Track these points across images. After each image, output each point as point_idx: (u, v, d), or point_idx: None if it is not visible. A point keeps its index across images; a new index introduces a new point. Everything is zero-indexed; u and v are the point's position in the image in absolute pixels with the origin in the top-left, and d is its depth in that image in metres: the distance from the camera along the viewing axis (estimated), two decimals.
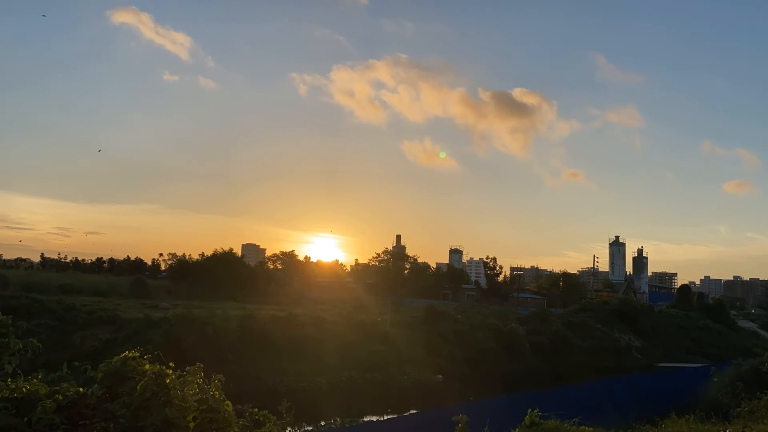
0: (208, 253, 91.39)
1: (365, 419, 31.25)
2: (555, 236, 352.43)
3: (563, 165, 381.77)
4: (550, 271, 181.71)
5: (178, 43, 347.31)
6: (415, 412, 33.25)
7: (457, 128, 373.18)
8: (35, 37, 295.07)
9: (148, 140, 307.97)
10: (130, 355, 5.54)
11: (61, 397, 5.24)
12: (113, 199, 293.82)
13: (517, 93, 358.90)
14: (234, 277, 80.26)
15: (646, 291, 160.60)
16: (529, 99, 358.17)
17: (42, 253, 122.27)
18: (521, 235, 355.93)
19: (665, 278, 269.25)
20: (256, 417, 6.10)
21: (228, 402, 5.66)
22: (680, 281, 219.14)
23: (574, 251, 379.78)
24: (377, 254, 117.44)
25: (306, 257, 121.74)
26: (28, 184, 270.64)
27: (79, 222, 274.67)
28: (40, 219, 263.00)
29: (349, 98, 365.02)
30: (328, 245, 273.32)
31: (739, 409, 17.52)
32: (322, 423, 30.69)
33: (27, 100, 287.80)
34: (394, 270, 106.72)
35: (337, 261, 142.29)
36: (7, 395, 5.17)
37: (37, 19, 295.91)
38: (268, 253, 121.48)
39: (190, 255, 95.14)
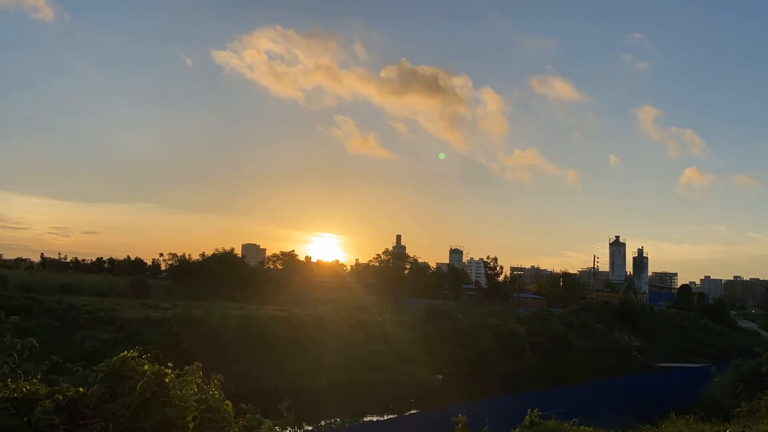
0: (209, 253, 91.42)
1: (365, 419, 31.25)
2: (555, 236, 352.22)
3: (509, 146, 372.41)
4: (551, 271, 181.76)
5: None
6: (415, 412, 33.26)
7: (375, 111, 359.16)
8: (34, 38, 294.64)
9: (146, 139, 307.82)
10: (130, 355, 5.54)
11: (61, 397, 5.24)
12: (112, 198, 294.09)
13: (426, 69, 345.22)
14: (234, 277, 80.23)
15: (647, 291, 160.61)
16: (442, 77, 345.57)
17: (42, 253, 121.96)
18: (521, 235, 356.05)
19: (665, 278, 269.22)
20: (252, 422, 6.08)
21: (228, 402, 5.66)
22: (680, 281, 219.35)
23: (573, 251, 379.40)
24: (377, 254, 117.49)
25: (306, 257, 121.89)
26: (25, 182, 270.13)
27: (76, 221, 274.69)
28: (38, 218, 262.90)
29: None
30: (329, 245, 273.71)
31: (739, 409, 17.53)
32: (322, 423, 30.69)
33: (23, 100, 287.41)
34: (394, 270, 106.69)
35: (337, 261, 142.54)
36: (7, 395, 5.16)
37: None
38: (269, 253, 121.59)
39: (190, 255, 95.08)
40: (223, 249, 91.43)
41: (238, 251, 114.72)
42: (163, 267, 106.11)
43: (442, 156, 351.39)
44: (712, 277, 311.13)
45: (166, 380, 5.34)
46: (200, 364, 5.71)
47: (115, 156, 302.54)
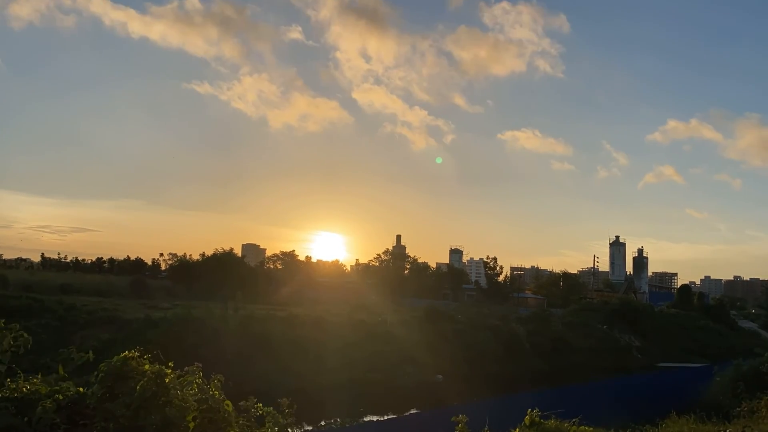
0: (209, 253, 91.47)
1: (365, 419, 31.26)
2: (554, 236, 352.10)
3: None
4: (551, 271, 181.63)
5: None
6: (415, 412, 33.25)
7: None
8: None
9: (145, 137, 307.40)
10: (130, 354, 5.53)
11: (61, 397, 5.23)
12: (108, 196, 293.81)
13: None
14: (234, 277, 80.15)
15: (647, 291, 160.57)
16: None
17: (42, 253, 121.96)
18: (521, 234, 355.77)
19: (665, 278, 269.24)
20: (260, 412, 6.05)
21: (228, 402, 5.65)
22: (680, 281, 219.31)
23: (573, 251, 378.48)
24: (377, 254, 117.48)
25: (306, 257, 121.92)
26: (17, 180, 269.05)
27: (69, 219, 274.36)
28: (28, 216, 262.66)
29: None
30: (328, 244, 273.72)
31: (739, 409, 17.54)
32: (322, 423, 30.72)
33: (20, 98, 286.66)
34: (395, 270, 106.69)
35: (337, 261, 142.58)
36: (7, 395, 5.16)
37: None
38: (269, 252, 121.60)
39: (190, 255, 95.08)
40: (223, 249, 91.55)
41: (238, 251, 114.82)
42: (163, 267, 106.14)
43: (439, 160, 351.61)
44: (712, 277, 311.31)
45: (167, 380, 5.33)
46: (200, 365, 5.70)
47: (112, 153, 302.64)
